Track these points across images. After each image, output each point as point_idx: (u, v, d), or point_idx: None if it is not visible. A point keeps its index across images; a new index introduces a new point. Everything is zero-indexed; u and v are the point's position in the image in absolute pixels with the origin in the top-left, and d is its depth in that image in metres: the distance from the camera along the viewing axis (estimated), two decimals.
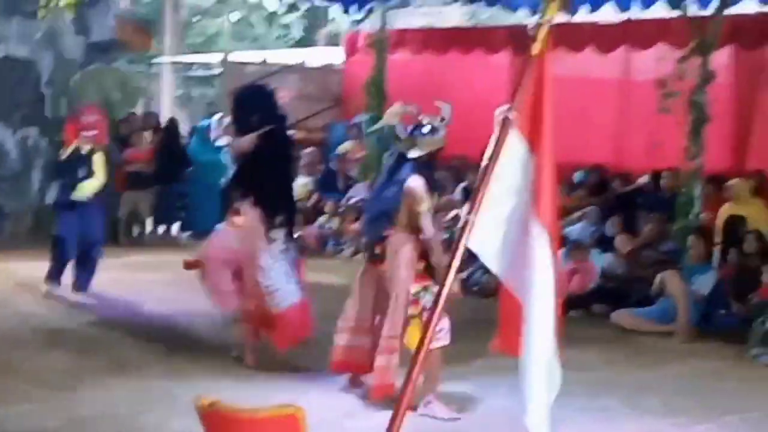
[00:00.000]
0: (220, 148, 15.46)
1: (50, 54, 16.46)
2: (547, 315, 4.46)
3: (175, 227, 16.79)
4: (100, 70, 17.18)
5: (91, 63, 16.98)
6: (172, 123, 17.70)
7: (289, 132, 9.34)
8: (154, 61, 27.10)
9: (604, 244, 12.69)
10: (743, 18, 14.04)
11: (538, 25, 4.44)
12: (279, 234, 8.61)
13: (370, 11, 16.49)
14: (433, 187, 7.57)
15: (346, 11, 17.24)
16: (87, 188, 11.42)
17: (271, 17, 31.22)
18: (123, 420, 7.24)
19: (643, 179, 14.49)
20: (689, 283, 10.90)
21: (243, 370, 8.54)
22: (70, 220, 11.44)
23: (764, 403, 8.31)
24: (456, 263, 4.43)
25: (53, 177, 12.85)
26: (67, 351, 9.10)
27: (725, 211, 12.38)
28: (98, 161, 11.45)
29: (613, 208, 13.87)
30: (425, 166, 7.54)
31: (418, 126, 7.57)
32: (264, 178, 8.60)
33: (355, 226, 15.48)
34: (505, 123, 4.46)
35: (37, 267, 11.76)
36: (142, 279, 12.60)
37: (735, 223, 12.05)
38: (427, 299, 7.24)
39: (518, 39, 15.08)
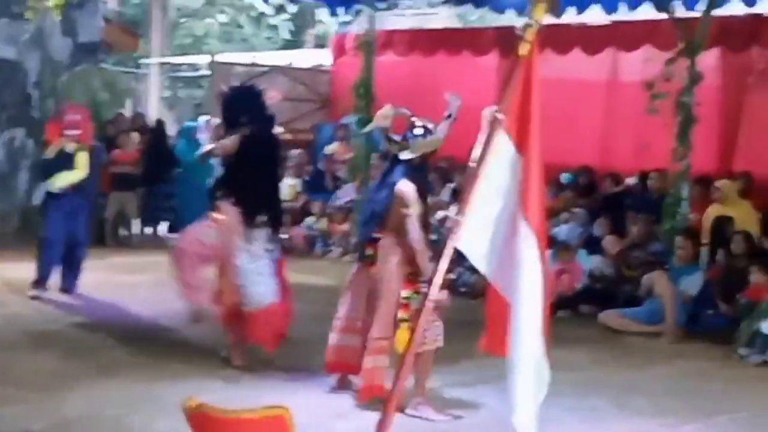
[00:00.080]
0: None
1: (37, 55, 16.41)
2: (535, 315, 4.47)
3: (162, 228, 16.77)
4: (88, 71, 17.13)
5: (78, 64, 16.93)
6: (160, 124, 17.69)
7: (277, 132, 9.31)
8: (142, 62, 27.08)
9: (592, 245, 12.71)
10: (730, 20, 14.07)
11: (526, 26, 4.44)
12: (260, 234, 8.60)
13: (358, 13, 16.48)
14: (425, 189, 7.57)
15: (332, 14, 17.24)
16: (64, 179, 11.34)
17: (260, 18, 31.22)
18: (109, 422, 7.21)
19: (631, 180, 14.52)
20: (677, 283, 10.92)
21: (231, 371, 8.53)
22: (56, 222, 11.40)
23: (752, 403, 8.33)
24: (444, 264, 4.42)
25: (39, 177, 12.80)
26: (54, 352, 9.07)
27: (713, 211, 12.40)
28: (82, 159, 11.39)
29: (601, 209, 13.89)
30: (417, 169, 7.54)
31: (411, 128, 7.57)
32: (245, 178, 8.63)
33: (343, 227, 15.49)
34: (493, 124, 4.46)
35: (24, 268, 11.73)
36: (129, 280, 12.58)
37: (722, 224, 12.08)
38: (418, 303, 7.23)
39: (506, 41, 15.07)
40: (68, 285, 11.60)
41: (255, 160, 8.62)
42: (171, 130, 19.63)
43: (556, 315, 10.91)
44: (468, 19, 27.06)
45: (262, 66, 21.13)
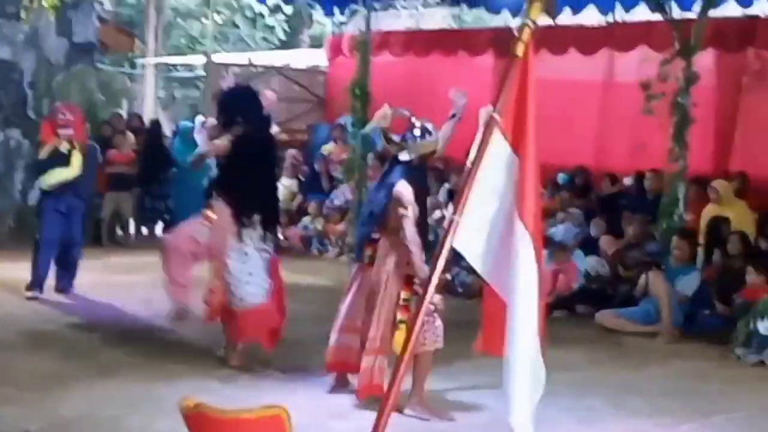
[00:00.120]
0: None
1: (33, 55, 16.39)
2: (531, 315, 4.46)
3: (158, 228, 16.75)
4: (83, 72, 17.12)
5: (73, 64, 16.92)
6: (155, 124, 17.66)
7: (272, 132, 9.31)
8: (138, 62, 27.07)
9: (589, 245, 12.72)
10: (726, 21, 14.09)
11: (522, 26, 4.44)
12: (253, 233, 8.60)
13: (353, 14, 16.49)
14: (424, 190, 7.56)
15: (327, 14, 17.28)
16: (57, 176, 11.33)
17: (255, 19, 31.20)
18: (106, 422, 7.21)
19: (627, 181, 14.54)
20: (673, 283, 10.93)
21: (228, 371, 8.53)
22: (52, 222, 11.39)
23: (749, 403, 8.35)
24: (441, 264, 4.43)
25: (34, 178, 12.79)
26: (51, 353, 9.06)
27: (708, 212, 12.42)
28: (76, 157, 11.37)
29: (597, 209, 13.91)
30: (416, 170, 7.53)
31: (410, 129, 7.57)
32: (237, 178, 8.66)
33: (339, 227, 15.50)
34: (489, 124, 4.46)
35: (20, 268, 11.72)
36: (126, 280, 12.56)
37: (718, 224, 12.10)
38: (417, 305, 7.23)
39: (501, 41, 15.10)
40: (64, 285, 11.59)
41: (248, 160, 8.62)
42: (167, 130, 19.62)
43: (553, 315, 10.95)
44: (463, 20, 27.06)
45: (258, 66, 21.14)
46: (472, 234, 4.50)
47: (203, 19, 29.56)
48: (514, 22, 13.58)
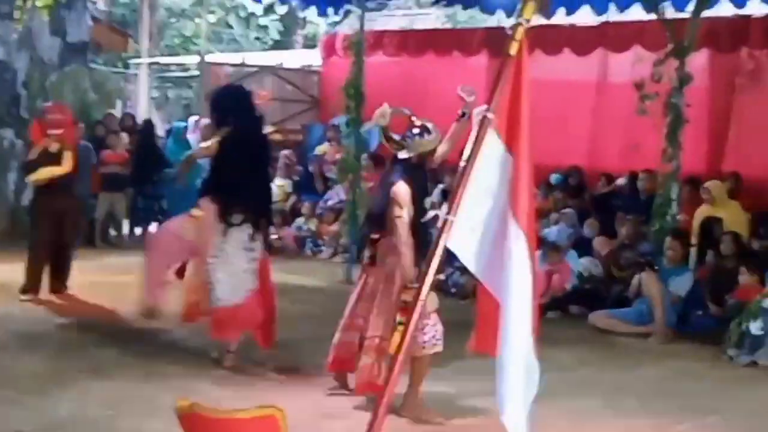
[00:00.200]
0: None
1: (26, 55, 16.39)
2: (525, 315, 4.46)
3: (152, 229, 16.73)
4: (77, 71, 17.12)
5: (67, 64, 16.92)
6: (148, 124, 17.65)
7: (266, 132, 9.31)
8: (131, 62, 27.05)
9: (582, 245, 12.72)
10: (719, 21, 14.11)
11: (516, 25, 4.43)
12: (239, 233, 8.59)
13: (347, 14, 16.47)
14: (423, 189, 7.52)
15: (320, 14, 17.25)
16: (45, 172, 11.31)
17: (249, 19, 31.20)
18: (100, 423, 7.20)
19: (621, 181, 14.55)
20: (666, 284, 10.94)
21: (221, 371, 8.52)
22: (44, 223, 11.36)
23: (741, 403, 8.35)
24: (435, 264, 4.42)
25: (25, 175, 12.78)
26: (44, 353, 9.04)
27: (702, 212, 12.44)
28: (67, 157, 11.34)
29: (590, 209, 13.92)
30: (415, 169, 7.50)
31: (409, 128, 7.54)
32: (224, 177, 8.65)
33: (333, 227, 15.49)
34: (483, 123, 4.45)
35: (14, 269, 11.69)
36: (119, 281, 12.51)
37: (711, 225, 12.11)
38: None
39: (495, 41, 15.11)
40: (58, 286, 11.57)
41: (235, 160, 8.61)
42: (160, 130, 19.61)
43: (546, 316, 10.95)
44: (457, 20, 27.08)
45: (252, 66, 21.14)
46: (466, 234, 4.50)
47: (197, 19, 29.58)
48: (508, 22, 13.57)
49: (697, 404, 8.18)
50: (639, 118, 12.55)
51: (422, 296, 4.45)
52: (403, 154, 7.51)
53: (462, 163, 4.49)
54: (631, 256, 11.78)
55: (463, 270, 11.24)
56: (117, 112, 19.12)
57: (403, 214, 7.30)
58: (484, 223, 4.53)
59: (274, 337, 8.95)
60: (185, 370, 8.52)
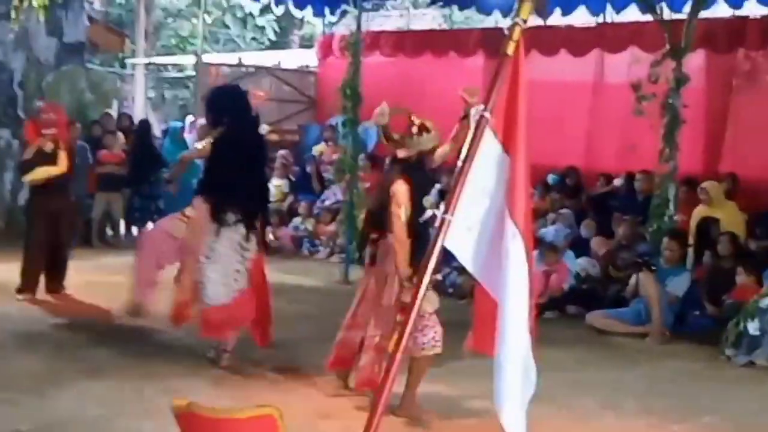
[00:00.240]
0: None
1: (23, 55, 16.39)
2: (522, 314, 4.46)
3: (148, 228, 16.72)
4: (73, 72, 17.12)
5: (63, 64, 16.92)
6: (145, 124, 17.64)
7: (262, 132, 9.29)
8: (128, 62, 27.05)
9: (579, 246, 12.73)
10: (716, 22, 14.13)
11: (513, 25, 4.43)
12: (232, 233, 8.58)
13: (344, 14, 16.48)
14: (422, 187, 7.47)
15: (317, 15, 17.27)
16: (41, 172, 11.29)
17: (246, 19, 31.20)
18: (96, 423, 7.19)
19: (618, 181, 14.56)
20: (663, 284, 10.94)
21: (218, 371, 8.51)
22: (40, 223, 11.35)
23: (739, 403, 8.37)
24: (432, 264, 4.42)
25: (22, 177, 12.77)
26: (40, 353, 9.03)
27: (699, 213, 12.45)
28: (62, 158, 11.33)
29: (588, 210, 13.92)
30: (414, 167, 7.48)
31: (409, 126, 7.53)
32: (218, 177, 8.67)
33: (330, 227, 15.49)
34: (480, 123, 4.45)
35: (10, 268, 11.67)
36: (116, 281, 12.48)
37: (708, 225, 12.12)
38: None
39: (492, 42, 15.11)
40: (55, 286, 11.55)
41: (229, 160, 8.61)
42: (157, 130, 19.61)
43: (544, 316, 10.96)
44: (454, 21, 27.10)
45: (248, 66, 21.13)
46: (463, 233, 4.49)
47: (193, 19, 29.57)
48: (505, 23, 13.59)
49: (695, 404, 8.19)
50: (636, 119, 12.56)
51: (420, 297, 4.45)
52: (402, 153, 7.50)
53: (459, 163, 4.49)
54: (629, 256, 11.78)
55: (461, 270, 11.27)
56: (114, 112, 19.08)
57: (401, 212, 7.29)
58: (481, 223, 4.52)
59: (270, 336, 8.95)
60: (182, 370, 8.51)
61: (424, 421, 7.39)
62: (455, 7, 18.22)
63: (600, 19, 15.79)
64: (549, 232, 13.21)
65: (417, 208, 7.32)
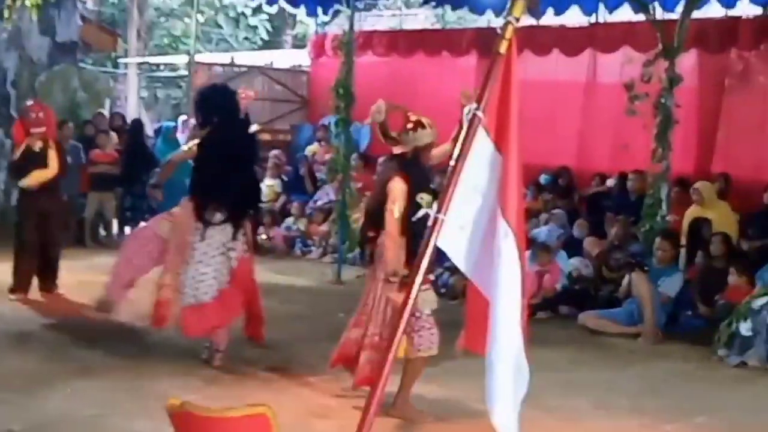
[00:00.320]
0: None
1: (15, 54, 16.36)
2: (514, 313, 4.45)
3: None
4: (66, 71, 17.10)
5: (56, 63, 16.90)
6: (138, 124, 17.62)
7: (252, 131, 9.28)
8: (120, 61, 27.02)
9: (572, 246, 12.73)
10: (708, 22, 14.15)
11: (506, 23, 4.43)
12: (217, 232, 8.57)
13: (336, 14, 16.48)
14: (420, 184, 7.44)
15: (310, 14, 17.28)
16: (36, 177, 11.27)
17: (238, 19, 31.19)
18: (89, 422, 7.19)
19: (610, 181, 14.57)
20: (656, 285, 10.94)
21: (211, 371, 8.50)
22: (31, 224, 11.32)
23: (731, 403, 8.37)
24: (425, 263, 4.41)
25: (11, 177, 12.75)
26: (33, 353, 9.03)
27: (691, 213, 12.45)
28: (52, 157, 11.32)
29: (580, 210, 13.93)
30: (411, 163, 7.45)
31: (405, 122, 7.51)
32: (203, 177, 8.68)
33: (323, 227, 15.48)
34: (473, 122, 4.45)
35: (2, 269, 11.65)
36: None
37: (701, 226, 12.13)
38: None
39: (485, 42, 15.12)
40: (47, 285, 11.54)
41: (216, 159, 8.61)
42: (149, 129, 19.58)
43: (536, 316, 10.96)
44: (447, 20, 27.10)
45: (241, 66, 21.13)
46: (456, 232, 4.49)
47: (186, 19, 29.54)
48: (497, 23, 13.59)
49: (687, 404, 8.20)
50: (628, 119, 12.58)
51: (413, 296, 4.44)
52: (397, 150, 7.49)
53: (452, 162, 4.49)
54: (621, 256, 11.78)
55: (453, 270, 11.27)
56: (106, 111, 19.08)
57: (394, 208, 7.27)
58: (474, 222, 4.52)
59: (263, 335, 8.96)
60: (175, 369, 8.50)
61: (417, 422, 7.40)
62: (448, 7, 18.20)
63: (593, 19, 15.81)
64: (542, 232, 13.21)
65: (414, 205, 7.29)
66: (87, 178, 15.47)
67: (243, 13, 30.87)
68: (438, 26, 25.64)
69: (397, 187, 7.27)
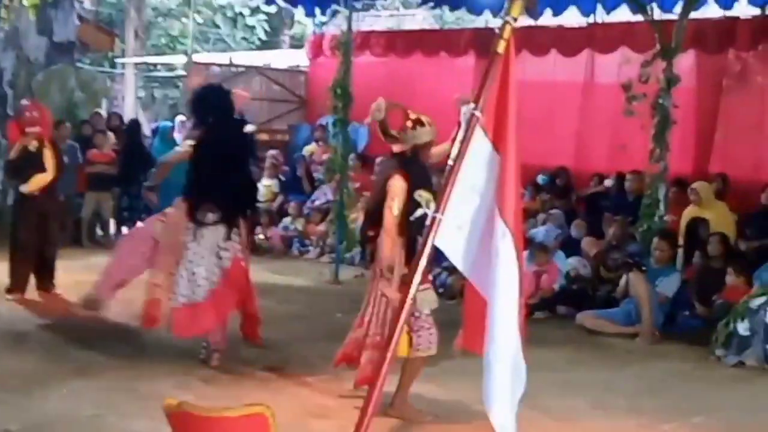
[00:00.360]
0: None
1: (12, 54, 16.34)
2: (512, 313, 4.45)
3: None
4: (63, 71, 17.08)
5: (53, 63, 16.88)
6: (135, 124, 17.61)
7: (247, 132, 9.28)
8: (118, 61, 27.00)
9: (570, 246, 12.73)
10: (706, 22, 14.15)
11: (504, 24, 4.43)
12: (210, 232, 8.57)
13: (334, 14, 16.47)
14: (420, 182, 7.42)
15: (308, 15, 17.27)
16: (36, 181, 11.27)
17: (236, 19, 31.18)
18: (86, 422, 7.18)
19: (608, 182, 14.57)
20: (654, 285, 10.94)
21: (209, 371, 8.50)
22: (27, 224, 11.31)
23: (729, 403, 8.37)
24: (423, 262, 4.41)
25: (8, 178, 12.73)
26: (31, 352, 9.02)
27: (689, 213, 12.46)
28: (48, 156, 11.31)
29: (578, 210, 13.92)
30: (411, 161, 7.44)
31: (404, 120, 7.50)
32: (197, 177, 8.68)
33: (320, 227, 15.47)
34: (471, 122, 4.45)
35: (0, 269, 11.65)
36: None
37: (698, 226, 12.13)
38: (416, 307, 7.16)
39: (483, 42, 15.12)
40: (45, 285, 11.53)
41: (209, 159, 8.61)
42: (147, 129, 19.57)
43: (534, 316, 10.96)
44: (445, 21, 27.12)
45: (239, 66, 21.12)
46: (453, 232, 4.49)
47: (183, 19, 29.53)
48: (495, 23, 13.59)
49: (684, 404, 8.20)
50: (626, 119, 12.57)
51: (410, 295, 4.44)
52: (397, 148, 7.49)
53: (450, 162, 4.48)
54: (619, 256, 11.77)
55: (451, 270, 11.27)
56: (103, 111, 19.05)
57: (393, 205, 7.25)
58: (472, 221, 4.52)
59: (260, 335, 8.95)
60: (172, 369, 8.49)
61: (416, 421, 7.39)
62: (446, 8, 18.21)
63: (591, 20, 15.79)
64: (539, 232, 13.21)
65: (413, 203, 7.27)
66: (84, 178, 15.45)
67: (241, 13, 30.86)
68: (436, 27, 25.66)
69: (397, 185, 7.27)
